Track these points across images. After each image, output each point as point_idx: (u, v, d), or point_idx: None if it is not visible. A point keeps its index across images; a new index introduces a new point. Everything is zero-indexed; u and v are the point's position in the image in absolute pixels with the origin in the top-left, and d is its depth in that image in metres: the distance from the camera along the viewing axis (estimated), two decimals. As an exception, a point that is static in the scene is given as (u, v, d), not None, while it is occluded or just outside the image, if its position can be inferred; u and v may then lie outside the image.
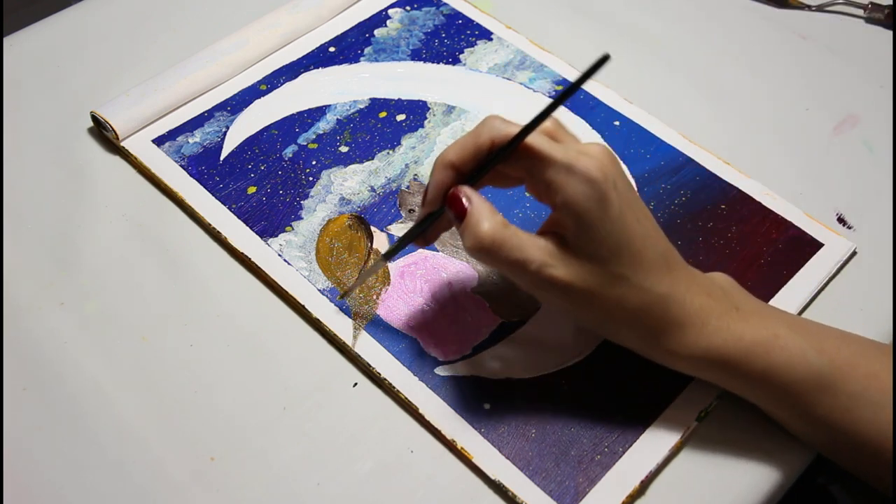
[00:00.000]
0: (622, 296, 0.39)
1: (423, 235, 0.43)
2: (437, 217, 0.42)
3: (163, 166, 0.54)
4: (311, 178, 0.54)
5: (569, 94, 0.39)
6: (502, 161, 0.40)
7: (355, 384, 0.46)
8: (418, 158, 0.55)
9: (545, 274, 0.39)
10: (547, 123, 0.40)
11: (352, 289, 0.48)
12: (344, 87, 0.59)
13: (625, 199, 0.38)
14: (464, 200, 0.40)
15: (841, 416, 0.40)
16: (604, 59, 0.36)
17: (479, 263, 0.50)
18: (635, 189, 0.40)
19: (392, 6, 0.64)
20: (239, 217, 0.52)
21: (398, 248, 0.44)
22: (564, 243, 0.39)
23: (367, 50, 0.62)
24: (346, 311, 0.48)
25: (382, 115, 0.58)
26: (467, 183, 0.41)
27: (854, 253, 0.52)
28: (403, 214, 0.53)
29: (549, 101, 0.59)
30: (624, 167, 0.41)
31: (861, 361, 0.40)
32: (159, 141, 0.56)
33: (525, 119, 0.39)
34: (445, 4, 0.65)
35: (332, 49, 0.62)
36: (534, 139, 0.39)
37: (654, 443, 0.43)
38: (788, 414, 0.42)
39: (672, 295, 0.40)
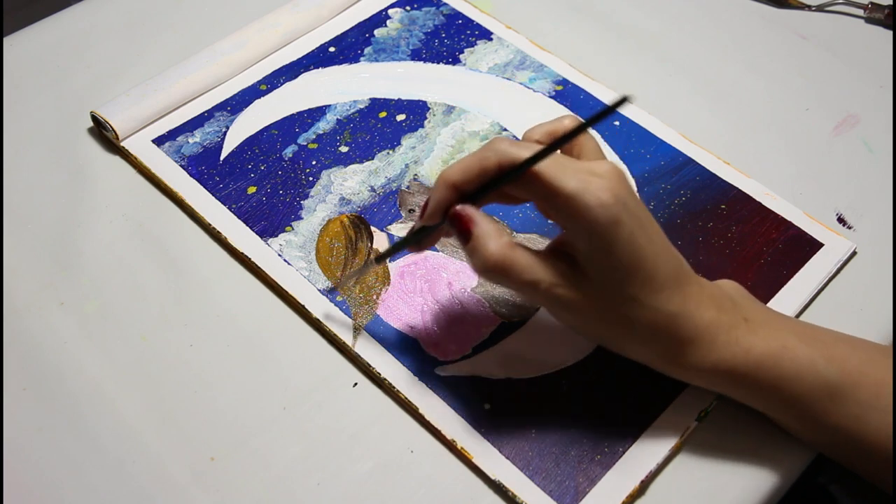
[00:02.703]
0: (633, 316, 0.39)
1: (417, 244, 0.43)
2: (433, 230, 0.42)
3: (163, 166, 0.54)
4: (311, 178, 0.54)
5: (584, 127, 0.38)
6: (507, 184, 0.39)
7: (355, 384, 0.46)
8: (418, 158, 0.55)
9: (554, 294, 0.39)
10: (557, 125, 0.40)
11: (341, 285, 0.49)
12: (344, 87, 0.59)
13: (636, 219, 0.38)
14: (469, 221, 0.39)
15: (851, 424, 0.40)
16: (622, 101, 0.35)
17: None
18: (645, 206, 0.40)
19: (392, 6, 0.64)
20: (239, 217, 0.52)
21: (390, 252, 0.45)
22: (575, 263, 0.39)
23: (367, 50, 0.62)
24: (346, 311, 0.48)
25: (382, 115, 0.58)
26: (470, 202, 0.40)
27: (854, 253, 0.52)
28: (403, 214, 0.53)
29: (549, 101, 0.59)
30: (632, 181, 0.41)
31: (871, 369, 0.40)
32: (159, 141, 0.56)
33: (531, 123, 0.39)
34: (445, 4, 0.65)
35: (332, 49, 0.62)
36: (542, 165, 0.37)
37: (654, 443, 0.43)
38: (798, 422, 0.42)
39: (682, 312, 0.39)
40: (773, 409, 0.42)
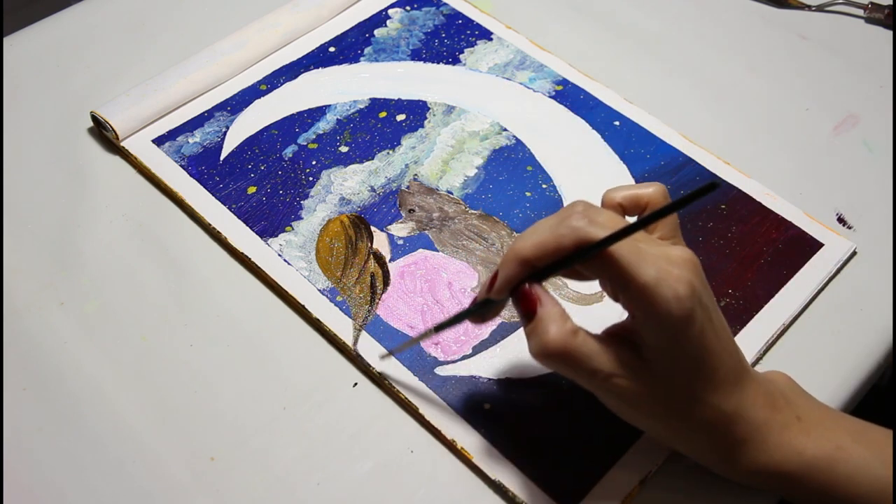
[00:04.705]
0: (690, 413, 0.38)
1: (481, 318, 0.41)
2: (497, 305, 0.40)
3: (163, 166, 0.54)
4: (311, 178, 0.54)
5: (664, 213, 0.36)
6: (580, 263, 0.37)
7: (355, 384, 0.46)
8: (418, 158, 0.55)
9: (613, 384, 0.37)
10: (641, 192, 0.39)
11: (396, 351, 0.46)
12: (344, 87, 0.59)
13: (706, 314, 0.36)
14: (535, 302, 0.37)
15: None
16: (711, 186, 0.33)
17: (479, 263, 0.50)
18: (713, 296, 0.38)
19: (392, 6, 0.64)
20: (239, 217, 0.52)
21: (450, 324, 0.42)
22: (637, 353, 0.37)
23: (367, 50, 0.62)
24: (346, 311, 0.48)
25: (382, 115, 0.58)
26: (537, 278, 0.38)
27: (854, 253, 0.52)
28: (403, 214, 0.53)
29: (549, 101, 0.59)
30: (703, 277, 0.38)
31: None
32: (159, 141, 0.56)
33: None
34: (445, 4, 0.65)
35: (332, 49, 0.62)
36: (618, 247, 0.35)
37: (655, 443, 0.43)
38: None
39: (738, 412, 0.38)
40: None
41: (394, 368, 0.46)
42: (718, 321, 0.37)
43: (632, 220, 0.39)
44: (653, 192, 0.39)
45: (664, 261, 0.35)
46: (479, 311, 0.40)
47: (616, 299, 0.38)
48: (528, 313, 0.37)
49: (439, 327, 0.42)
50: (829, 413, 0.41)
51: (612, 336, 0.38)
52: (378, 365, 0.46)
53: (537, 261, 0.37)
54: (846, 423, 0.40)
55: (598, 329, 0.39)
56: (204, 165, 0.55)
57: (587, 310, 0.49)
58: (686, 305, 0.35)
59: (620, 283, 0.36)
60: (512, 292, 0.38)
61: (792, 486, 0.39)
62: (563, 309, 0.37)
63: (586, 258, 0.36)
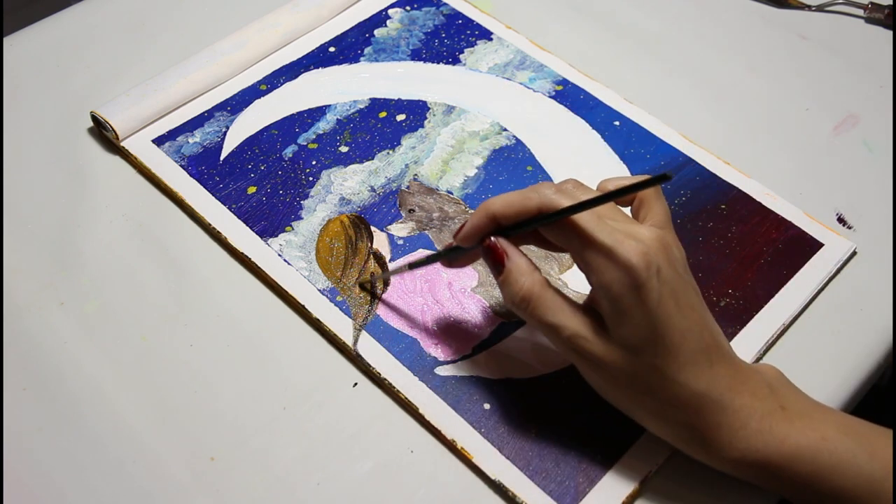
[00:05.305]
0: (654, 386, 0.38)
1: (448, 262, 0.45)
2: (464, 252, 0.43)
3: (163, 166, 0.54)
4: (311, 178, 0.54)
5: (627, 191, 0.37)
6: (541, 226, 0.39)
7: (355, 384, 0.46)
8: (418, 158, 0.55)
9: (576, 344, 0.39)
10: (634, 181, 0.39)
11: (373, 280, 0.49)
12: (344, 87, 0.59)
13: (668, 288, 0.37)
14: (503, 253, 0.40)
15: None
16: (663, 177, 0.34)
17: (478, 263, 0.50)
18: (688, 280, 0.39)
19: (392, 6, 0.64)
20: (239, 217, 0.52)
21: (422, 264, 0.46)
22: (601, 321, 0.39)
23: (367, 50, 0.62)
24: (346, 311, 0.48)
25: (382, 115, 0.58)
26: (504, 234, 0.41)
27: (854, 253, 0.52)
28: (403, 214, 0.53)
29: (549, 101, 0.59)
30: (681, 254, 0.39)
31: None
32: (159, 141, 0.56)
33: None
34: (445, 4, 0.65)
35: (332, 49, 0.62)
36: (581, 217, 0.38)
37: (655, 443, 0.43)
38: None
39: (709, 393, 0.38)
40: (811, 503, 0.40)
41: (394, 368, 0.46)
42: (687, 300, 0.38)
43: (625, 210, 0.41)
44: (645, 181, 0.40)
45: (623, 233, 0.37)
46: (448, 255, 0.44)
47: (582, 271, 0.39)
48: (498, 264, 0.40)
49: (413, 265, 0.46)
50: (816, 406, 0.41)
51: (585, 304, 0.40)
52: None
53: (503, 217, 0.40)
54: (833, 416, 0.40)
55: None
56: (204, 165, 0.55)
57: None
58: (637, 275, 0.36)
59: (578, 249, 0.38)
60: (480, 243, 0.41)
61: (774, 476, 0.39)
62: (530, 261, 0.40)
63: (549, 221, 0.38)
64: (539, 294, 0.39)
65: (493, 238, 0.41)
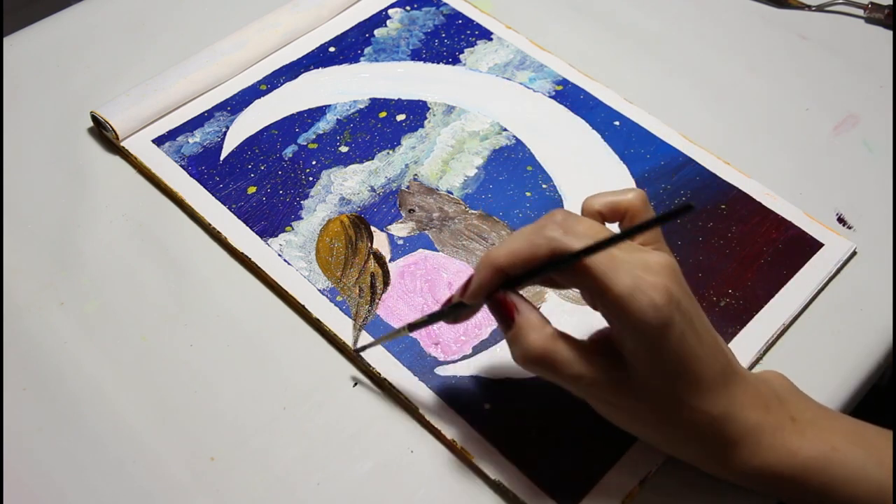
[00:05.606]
0: (679, 419, 0.38)
1: (453, 319, 0.42)
2: (470, 309, 0.40)
3: (163, 166, 0.54)
4: (311, 178, 0.54)
5: (642, 230, 0.36)
6: (554, 273, 0.37)
7: (355, 384, 0.46)
8: (418, 158, 0.55)
9: (596, 391, 0.38)
10: (620, 198, 0.38)
11: (370, 346, 0.46)
12: (344, 87, 0.59)
13: (687, 318, 0.36)
14: (512, 309, 0.38)
15: None
16: (686, 208, 0.32)
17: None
18: (695, 301, 0.38)
19: (392, 6, 0.64)
20: (239, 217, 0.52)
21: (424, 324, 0.42)
22: (620, 360, 0.37)
23: (367, 50, 0.62)
24: (346, 311, 0.48)
25: (382, 115, 0.58)
26: (512, 286, 0.38)
27: (854, 253, 0.52)
28: (403, 214, 0.53)
29: (549, 101, 0.59)
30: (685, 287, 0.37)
31: None
32: (159, 141, 0.56)
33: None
34: (445, 4, 0.65)
35: (332, 49, 0.62)
36: (593, 257, 0.35)
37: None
38: None
39: (728, 414, 0.38)
40: None
41: (394, 368, 0.46)
42: (701, 325, 0.37)
43: (612, 226, 0.39)
44: (632, 198, 0.39)
45: (640, 269, 0.35)
46: (452, 313, 0.41)
47: (595, 308, 0.38)
48: (506, 320, 0.38)
49: (413, 326, 0.43)
50: (825, 413, 0.40)
51: (596, 343, 0.38)
52: (355, 353, 0.46)
53: (511, 269, 0.37)
54: (842, 423, 0.40)
55: (593, 330, 0.39)
56: (204, 165, 0.55)
57: (585, 310, 0.49)
58: (663, 313, 0.35)
59: (596, 293, 0.36)
60: (488, 298, 0.39)
61: (787, 488, 0.39)
62: (541, 315, 0.38)
63: (559, 268, 0.36)
64: (552, 350, 0.37)
65: (501, 293, 0.38)
